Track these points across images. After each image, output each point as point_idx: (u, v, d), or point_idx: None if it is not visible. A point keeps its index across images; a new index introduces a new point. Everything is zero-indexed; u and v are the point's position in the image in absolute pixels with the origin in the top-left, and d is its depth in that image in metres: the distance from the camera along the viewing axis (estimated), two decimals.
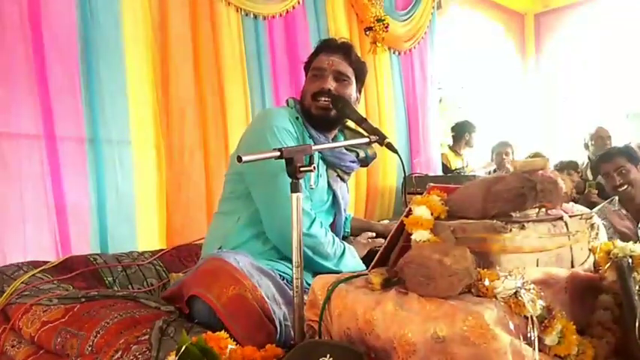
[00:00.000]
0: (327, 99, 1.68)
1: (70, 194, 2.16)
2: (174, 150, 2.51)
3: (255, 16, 2.90)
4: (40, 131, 2.10)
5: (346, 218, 2.10)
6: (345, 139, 1.85)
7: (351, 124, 1.85)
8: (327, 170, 1.75)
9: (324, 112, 1.70)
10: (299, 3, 3.10)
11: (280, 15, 3.01)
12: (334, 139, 1.82)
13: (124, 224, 2.29)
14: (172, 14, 2.55)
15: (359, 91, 1.81)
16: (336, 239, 1.69)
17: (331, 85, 1.70)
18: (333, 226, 1.80)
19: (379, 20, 3.54)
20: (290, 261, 1.56)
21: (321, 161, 1.72)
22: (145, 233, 2.33)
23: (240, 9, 2.83)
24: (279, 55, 3.06)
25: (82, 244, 2.13)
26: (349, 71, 1.74)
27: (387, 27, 3.58)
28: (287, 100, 1.82)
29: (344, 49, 1.75)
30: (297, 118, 1.72)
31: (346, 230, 2.10)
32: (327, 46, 1.78)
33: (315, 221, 1.60)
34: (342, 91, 1.71)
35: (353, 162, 1.81)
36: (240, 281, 1.32)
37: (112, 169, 2.27)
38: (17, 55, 2.06)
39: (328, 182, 1.75)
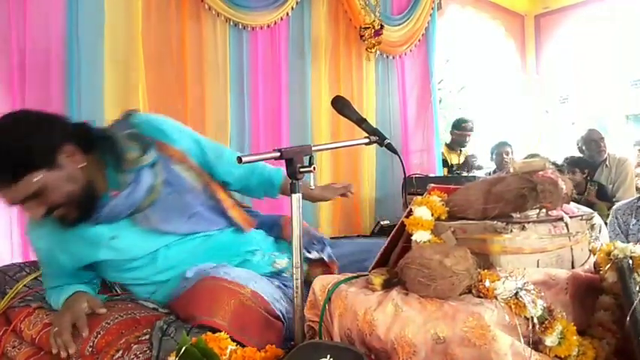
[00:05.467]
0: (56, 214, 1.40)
1: None
2: None
3: (244, 27, 2.90)
4: None
5: (273, 181, 1.71)
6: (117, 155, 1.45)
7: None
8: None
9: (63, 221, 1.44)
10: (287, 15, 3.12)
11: (268, 26, 3.02)
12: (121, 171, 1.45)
13: None
14: (161, 23, 2.54)
15: (65, 158, 1.36)
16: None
17: (32, 211, 1.38)
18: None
19: (366, 27, 3.53)
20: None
21: None
22: None
23: (230, 19, 2.83)
24: (260, 64, 3.08)
25: None
26: (24, 189, 1.31)
27: (378, 31, 3.56)
28: None
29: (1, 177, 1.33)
30: None
31: (274, 191, 1.72)
32: None
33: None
34: (43, 205, 1.36)
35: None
36: (236, 292, 1.32)
37: None
38: None
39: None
